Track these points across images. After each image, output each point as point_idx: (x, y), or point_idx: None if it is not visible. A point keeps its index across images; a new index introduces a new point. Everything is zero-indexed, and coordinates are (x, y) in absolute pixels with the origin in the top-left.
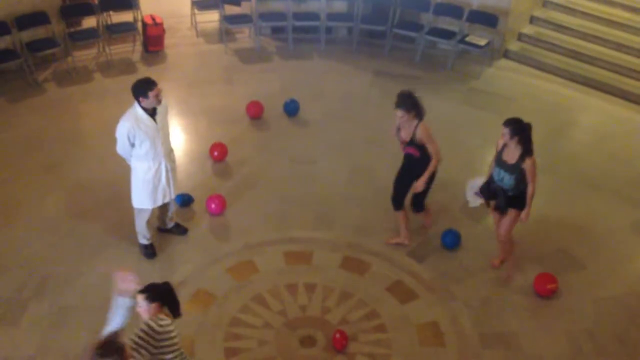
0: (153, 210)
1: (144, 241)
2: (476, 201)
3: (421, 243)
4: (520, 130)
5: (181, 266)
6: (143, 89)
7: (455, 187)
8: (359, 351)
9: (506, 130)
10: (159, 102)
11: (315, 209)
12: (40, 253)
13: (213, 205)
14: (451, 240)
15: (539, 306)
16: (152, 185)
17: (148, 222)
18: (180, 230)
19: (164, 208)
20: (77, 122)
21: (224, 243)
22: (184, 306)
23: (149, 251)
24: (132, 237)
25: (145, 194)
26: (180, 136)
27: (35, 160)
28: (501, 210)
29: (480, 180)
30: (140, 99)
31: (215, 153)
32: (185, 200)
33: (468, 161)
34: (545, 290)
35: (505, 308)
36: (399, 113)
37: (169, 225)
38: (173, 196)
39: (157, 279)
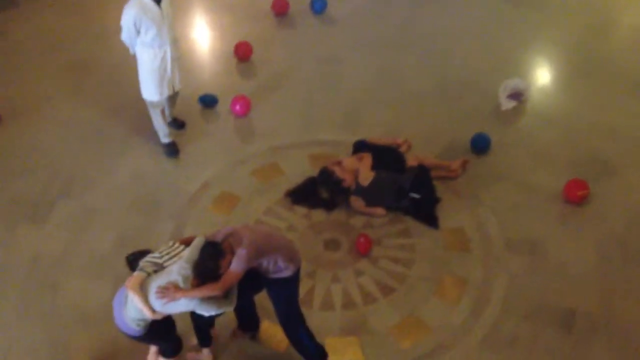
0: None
1: (165, 140)
2: (509, 104)
3: (449, 147)
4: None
5: (206, 168)
6: None
7: (486, 88)
8: (382, 255)
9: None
10: None
11: (342, 110)
12: (65, 154)
13: (237, 107)
14: (481, 145)
15: (568, 213)
16: (159, 75)
17: (163, 117)
18: (177, 124)
19: (169, 102)
20: (100, 20)
21: (249, 145)
22: (209, 207)
23: (172, 149)
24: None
25: (153, 84)
26: (204, 33)
27: (58, 59)
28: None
29: (514, 82)
30: None
31: (240, 53)
32: (209, 101)
33: (502, 62)
34: (576, 196)
35: (533, 214)
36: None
37: (168, 120)
38: (178, 87)
39: (182, 180)
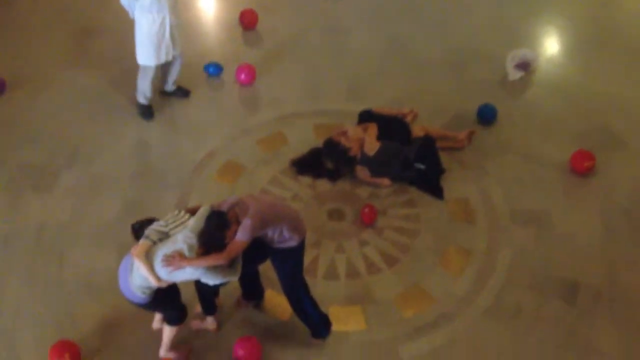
0: (156, 70)
1: (143, 100)
2: (516, 74)
3: (456, 117)
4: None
5: (211, 137)
6: None
7: (494, 59)
8: (387, 225)
9: None
10: None
11: (348, 80)
12: (71, 122)
13: (243, 75)
14: (488, 115)
15: (574, 184)
16: (157, 40)
17: (152, 82)
18: (182, 92)
19: (167, 68)
20: None
21: (254, 114)
22: (214, 176)
23: (147, 111)
24: (162, 106)
25: (149, 50)
26: (209, 1)
27: (64, 27)
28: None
29: (522, 52)
30: None
31: (245, 21)
32: (214, 70)
33: (509, 32)
34: (582, 167)
35: (538, 185)
36: None
37: (172, 88)
38: (176, 53)
39: (188, 149)
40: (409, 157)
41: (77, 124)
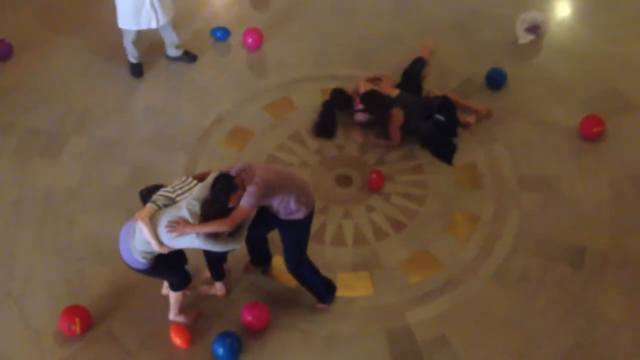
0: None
1: (131, 59)
2: (526, 37)
3: (465, 81)
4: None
5: (218, 102)
6: None
7: (503, 22)
8: (394, 191)
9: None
10: None
11: (356, 45)
12: (78, 88)
13: (250, 40)
14: (496, 80)
15: (583, 149)
16: (135, 6)
17: (135, 43)
18: (188, 57)
19: (163, 34)
20: None
21: (261, 79)
22: (222, 141)
23: (135, 70)
24: (170, 71)
25: (127, 14)
26: None
27: None
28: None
29: (532, 15)
30: None
31: None
32: (221, 34)
33: None
34: (592, 133)
35: (547, 151)
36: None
37: (176, 53)
38: (162, 22)
39: (195, 115)
40: (431, 106)
41: (84, 89)
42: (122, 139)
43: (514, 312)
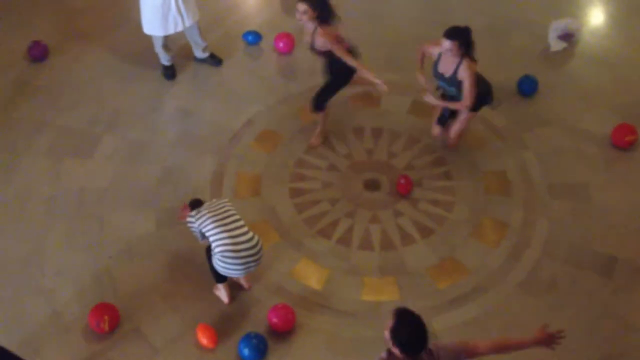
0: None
1: (163, 62)
2: (559, 45)
3: (495, 88)
4: (459, 35)
5: (248, 105)
6: None
7: (535, 28)
8: (422, 197)
9: (447, 43)
10: None
11: (385, 49)
12: (111, 89)
13: (281, 44)
14: (528, 87)
15: (614, 158)
16: (162, 12)
17: (165, 47)
18: (214, 61)
19: (189, 37)
20: None
21: (292, 83)
22: (251, 144)
23: (168, 72)
24: (201, 73)
25: (154, 21)
26: None
27: None
28: (443, 122)
29: (565, 22)
30: None
31: None
32: (253, 38)
33: (554, 0)
34: (624, 141)
35: (578, 159)
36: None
37: (203, 55)
38: (187, 24)
39: (226, 117)
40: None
41: (116, 90)
42: (153, 140)
43: (542, 321)
